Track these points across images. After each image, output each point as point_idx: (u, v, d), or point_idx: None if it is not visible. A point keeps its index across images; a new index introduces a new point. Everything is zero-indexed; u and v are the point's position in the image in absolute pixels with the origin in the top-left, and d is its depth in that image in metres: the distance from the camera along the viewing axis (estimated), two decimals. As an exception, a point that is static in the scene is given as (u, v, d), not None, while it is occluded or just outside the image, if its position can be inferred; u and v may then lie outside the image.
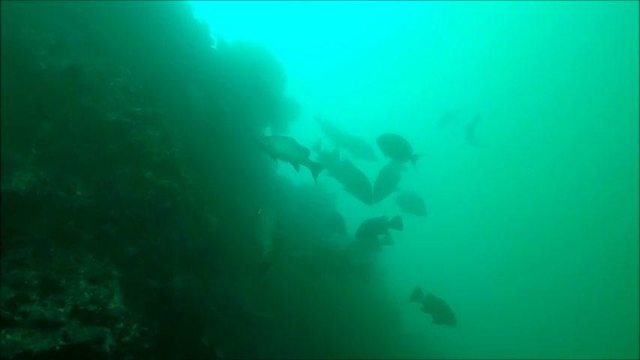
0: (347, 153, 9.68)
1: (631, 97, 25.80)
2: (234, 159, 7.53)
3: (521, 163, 33.40)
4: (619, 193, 28.85)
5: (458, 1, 29.07)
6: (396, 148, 6.79)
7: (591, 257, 27.72)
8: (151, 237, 3.88)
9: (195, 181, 5.16)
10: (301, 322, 7.47)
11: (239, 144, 8.14)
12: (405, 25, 32.65)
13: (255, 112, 8.85)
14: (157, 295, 3.78)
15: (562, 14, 25.51)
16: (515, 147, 33.61)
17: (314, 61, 36.28)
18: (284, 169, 10.83)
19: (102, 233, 3.50)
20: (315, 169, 5.53)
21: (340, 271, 7.60)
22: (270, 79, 9.61)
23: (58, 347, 2.40)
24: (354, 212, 10.33)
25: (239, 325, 6.14)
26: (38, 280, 2.86)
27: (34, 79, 3.68)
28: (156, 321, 3.47)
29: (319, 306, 7.91)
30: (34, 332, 2.44)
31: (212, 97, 7.77)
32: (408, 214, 7.86)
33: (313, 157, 9.43)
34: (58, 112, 3.63)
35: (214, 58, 8.67)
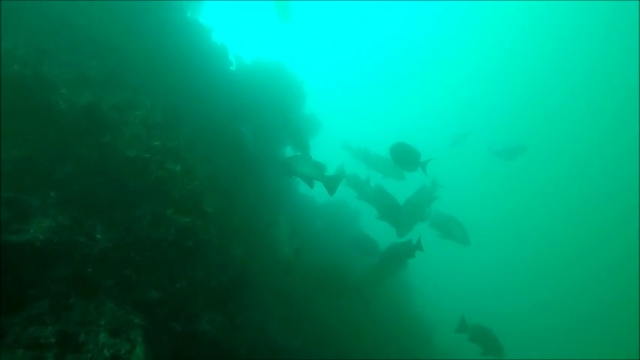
0: (375, 173, 9.40)
1: (631, 98, 25.04)
2: (256, 182, 7.31)
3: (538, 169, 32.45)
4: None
5: (469, 12, 28.75)
6: (406, 157, 6.66)
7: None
8: (175, 279, 3.64)
9: (218, 213, 4.93)
10: (331, 345, 7.13)
11: (261, 165, 7.93)
12: (419, 36, 32.33)
13: (276, 131, 8.64)
14: (182, 341, 3.53)
15: (563, 15, 25.16)
16: (533, 156, 32.79)
17: (330, 74, 36.17)
18: (307, 187, 10.62)
19: (123, 278, 3.28)
20: (330, 183, 5.38)
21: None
22: (290, 96, 9.40)
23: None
24: (378, 229, 9.98)
25: (269, 356, 5.86)
26: (56, 336, 2.64)
27: (54, 119, 3.53)
28: (181, 372, 3.21)
29: (347, 328, 7.55)
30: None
31: (233, 120, 7.61)
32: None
33: (342, 186, 9.19)
34: (78, 151, 3.46)
35: (234, 80, 8.53)
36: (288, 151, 9.57)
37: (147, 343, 3.15)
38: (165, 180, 3.81)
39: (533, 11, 26.64)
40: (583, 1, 22.57)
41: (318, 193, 10.56)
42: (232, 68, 9.03)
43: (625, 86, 24.87)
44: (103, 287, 3.14)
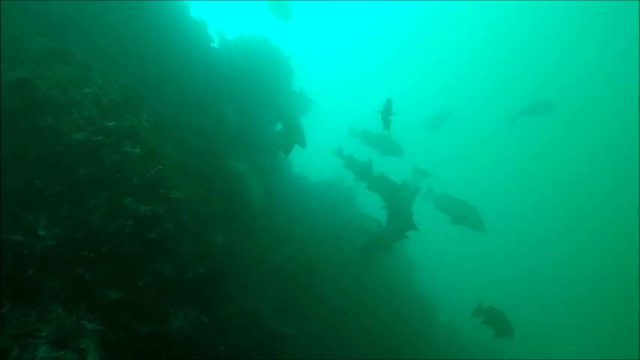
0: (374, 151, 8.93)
1: (631, 97, 24.42)
2: (241, 164, 6.82)
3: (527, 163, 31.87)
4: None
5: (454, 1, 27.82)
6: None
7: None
8: (138, 275, 3.20)
9: (194, 199, 4.46)
10: (332, 329, 6.78)
11: (246, 147, 7.42)
12: (398, 23, 31.41)
13: (262, 110, 8.09)
14: (149, 343, 3.11)
15: (562, 14, 24.59)
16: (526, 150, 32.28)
17: (317, 55, 35.13)
18: (300, 166, 10.12)
19: (73, 279, 2.84)
20: None
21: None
22: (276, 72, 8.79)
23: None
24: (374, 206, 9.54)
25: (262, 346, 5.50)
26: (-17, 355, 2.22)
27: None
28: (145, 380, 2.80)
29: (347, 311, 7.19)
30: None
31: (214, 100, 7.06)
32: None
33: (337, 163, 8.75)
34: (11, 137, 2.96)
35: (215, 57, 7.92)
36: (277, 129, 9.06)
37: (103, 350, 2.73)
38: (122, 165, 3.32)
39: (533, 11, 26.03)
40: (583, 1, 22.07)
41: (311, 171, 10.12)
42: (214, 45, 8.40)
43: (625, 86, 24.42)
44: (48, 291, 2.69)
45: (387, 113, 5.46)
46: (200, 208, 4.46)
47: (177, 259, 3.72)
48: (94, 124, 3.31)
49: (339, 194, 9.72)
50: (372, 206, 9.41)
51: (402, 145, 9.30)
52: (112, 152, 3.30)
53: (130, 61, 4.96)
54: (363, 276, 7.66)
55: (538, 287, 24.07)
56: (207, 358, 3.54)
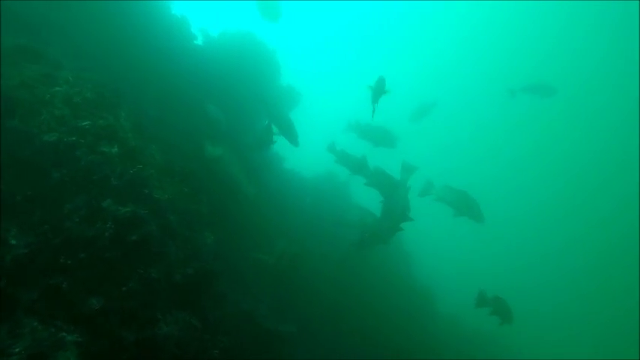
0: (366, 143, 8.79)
1: (631, 97, 24.36)
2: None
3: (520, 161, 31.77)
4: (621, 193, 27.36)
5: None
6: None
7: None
8: (121, 280, 3.02)
9: (180, 199, 4.28)
10: (331, 326, 6.63)
11: (235, 143, 7.22)
12: (388, 20, 31.16)
13: (250, 105, 7.89)
14: (137, 351, 2.94)
15: (562, 13, 24.50)
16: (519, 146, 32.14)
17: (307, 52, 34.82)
18: (292, 162, 9.94)
19: (49, 289, 2.65)
20: None
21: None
22: (263, 67, 8.59)
23: None
24: (369, 199, 9.39)
25: (259, 346, 5.35)
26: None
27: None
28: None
29: (346, 306, 7.05)
30: None
31: (200, 97, 6.85)
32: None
33: (330, 158, 8.55)
34: (-24, 141, 2.76)
35: (199, 54, 7.70)
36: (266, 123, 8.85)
37: (85, 362, 2.55)
38: (99, 165, 3.13)
39: (533, 11, 25.92)
40: (583, 1, 21.97)
41: (303, 166, 9.94)
42: (198, 42, 8.17)
43: (625, 86, 24.33)
44: (22, 303, 2.51)
45: (378, 92, 5.20)
46: (187, 208, 4.28)
47: (164, 262, 3.54)
48: (65, 125, 3.11)
49: (333, 189, 9.55)
50: (367, 199, 9.29)
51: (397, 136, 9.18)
52: (87, 153, 3.11)
53: (108, 59, 4.75)
54: (360, 270, 7.52)
55: (537, 276, 24.06)
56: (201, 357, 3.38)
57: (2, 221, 2.64)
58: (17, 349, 2.26)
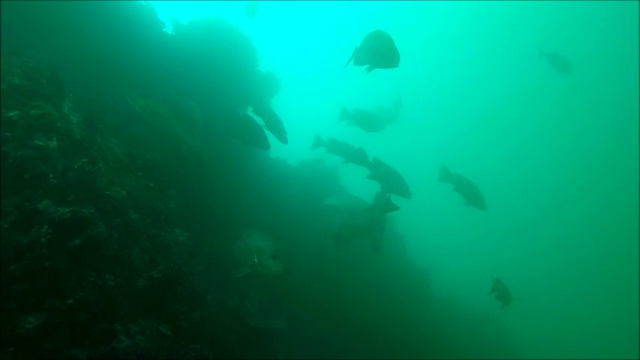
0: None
1: (631, 99, 23.97)
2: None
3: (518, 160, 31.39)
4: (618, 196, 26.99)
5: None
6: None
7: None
8: (67, 291, 2.58)
9: (145, 193, 3.82)
10: (323, 320, 6.25)
11: (213, 136, 6.74)
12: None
13: (228, 95, 7.39)
14: (91, 371, 2.52)
15: (563, 15, 24.03)
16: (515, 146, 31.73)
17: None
18: (277, 150, 9.47)
19: (-27, 309, 2.21)
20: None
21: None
22: (238, 53, 8.06)
23: None
24: (358, 185, 8.98)
25: (247, 345, 4.96)
26: None
27: None
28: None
29: (337, 298, 6.67)
30: None
31: (169, 84, 6.34)
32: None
33: (320, 151, 8.06)
34: None
35: (167, 42, 7.15)
36: (247, 111, 8.36)
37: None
38: (33, 162, 2.66)
39: (533, 10, 25.33)
40: (583, 1, 21.51)
41: (288, 155, 9.48)
42: (167, 30, 7.60)
43: (625, 86, 23.84)
44: None
45: (367, 51, 4.37)
46: (153, 204, 3.82)
47: (123, 266, 3.10)
48: (-10, 117, 2.63)
49: (320, 175, 9.12)
50: (357, 185, 8.87)
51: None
52: (17, 148, 2.63)
53: (51, 46, 4.22)
54: (351, 259, 7.13)
55: (536, 264, 23.88)
56: (171, 374, 2.97)
57: None
58: None
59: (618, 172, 27.11)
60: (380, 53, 4.20)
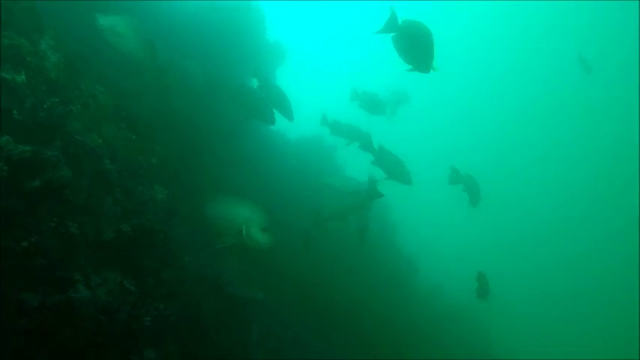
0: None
1: (631, 98, 23.42)
2: (203, 116, 5.95)
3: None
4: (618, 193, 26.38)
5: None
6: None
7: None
8: (21, 234, 2.43)
9: (124, 145, 3.64)
10: (304, 297, 6.15)
11: (213, 98, 6.51)
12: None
13: (230, 58, 7.11)
14: (42, 316, 2.39)
15: (563, 15, 23.54)
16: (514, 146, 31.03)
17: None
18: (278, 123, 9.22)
19: None
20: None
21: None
22: (246, 19, 7.73)
23: None
24: (356, 166, 8.77)
25: (224, 311, 4.87)
26: None
27: None
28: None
29: (321, 274, 6.56)
30: None
31: (169, 43, 6.07)
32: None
33: (325, 132, 7.82)
34: None
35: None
36: (252, 82, 8.08)
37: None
38: (-3, 95, 2.47)
39: (532, 10, 24.69)
40: (583, 1, 21.01)
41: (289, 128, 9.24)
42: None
43: (625, 86, 23.39)
44: None
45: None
46: (132, 158, 3.65)
47: (91, 216, 2.95)
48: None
49: (319, 153, 8.91)
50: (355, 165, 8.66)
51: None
52: (-21, 78, 2.44)
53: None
54: (339, 239, 6.97)
55: (530, 260, 23.65)
56: (129, 330, 2.85)
57: None
58: None
59: (619, 175, 26.80)
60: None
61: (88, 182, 2.99)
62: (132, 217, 3.30)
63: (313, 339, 5.91)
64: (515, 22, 26.72)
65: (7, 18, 2.78)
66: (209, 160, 5.80)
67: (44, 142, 2.59)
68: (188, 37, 6.61)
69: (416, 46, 3.62)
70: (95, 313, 2.69)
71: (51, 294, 2.50)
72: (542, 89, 28.77)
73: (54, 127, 2.69)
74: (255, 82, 5.92)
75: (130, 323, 2.85)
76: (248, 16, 7.90)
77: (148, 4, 6.05)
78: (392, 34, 3.70)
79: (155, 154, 3.95)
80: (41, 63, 2.81)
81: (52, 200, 2.57)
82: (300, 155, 8.69)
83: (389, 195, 8.79)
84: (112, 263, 3.00)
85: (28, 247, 2.42)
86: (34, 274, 2.47)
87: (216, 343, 4.10)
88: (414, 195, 11.61)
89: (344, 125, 7.22)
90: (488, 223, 23.74)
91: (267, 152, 7.46)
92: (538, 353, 14.57)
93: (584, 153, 28.99)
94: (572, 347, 16.28)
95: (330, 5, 31.19)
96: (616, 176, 26.76)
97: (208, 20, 7.13)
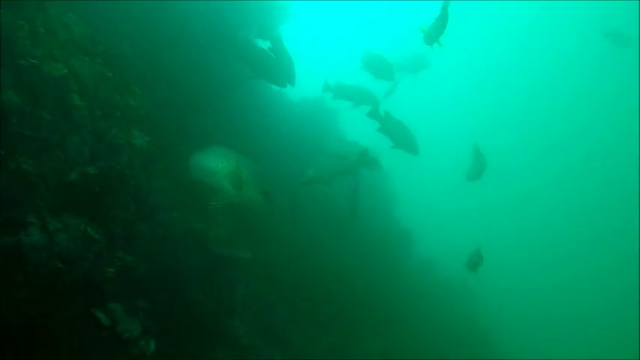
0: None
1: (631, 99, 22.78)
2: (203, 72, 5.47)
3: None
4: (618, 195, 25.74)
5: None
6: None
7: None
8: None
9: (97, 82, 3.24)
10: (294, 258, 5.91)
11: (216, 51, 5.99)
12: None
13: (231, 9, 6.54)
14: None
15: (563, 15, 22.94)
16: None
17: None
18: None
19: None
20: None
21: None
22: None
23: None
24: (358, 131, 8.35)
25: (208, 268, 4.61)
26: None
27: None
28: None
29: (312, 240, 6.28)
30: None
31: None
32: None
33: (327, 97, 7.34)
34: None
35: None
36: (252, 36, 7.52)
37: None
38: None
39: (532, 10, 23.84)
40: (583, 1, 20.47)
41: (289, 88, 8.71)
42: None
43: (625, 86, 22.84)
44: None
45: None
46: (108, 97, 3.25)
47: (51, 153, 2.59)
48: None
49: (319, 116, 8.44)
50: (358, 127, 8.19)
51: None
52: None
53: None
54: (334, 206, 6.66)
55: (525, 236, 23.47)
56: (92, 281, 2.56)
57: None
58: None
59: (619, 175, 26.44)
60: None
61: (50, 117, 2.62)
62: (100, 160, 2.94)
63: (301, 304, 5.72)
64: (513, 21, 25.99)
65: None
66: (203, 113, 5.40)
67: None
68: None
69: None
70: (51, 259, 2.39)
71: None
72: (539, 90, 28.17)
73: (6, 52, 2.28)
74: (259, 39, 5.40)
75: (92, 273, 2.56)
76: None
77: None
78: None
79: (136, 96, 3.54)
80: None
81: (23, 143, 2.21)
82: (299, 117, 8.24)
83: (389, 164, 8.44)
84: (75, 208, 2.68)
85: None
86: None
87: (194, 301, 3.86)
88: (418, 165, 11.25)
89: (349, 87, 6.76)
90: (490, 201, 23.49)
91: (264, 110, 7.02)
92: (527, 333, 14.59)
93: (580, 156, 28.51)
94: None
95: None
96: (616, 177, 26.44)
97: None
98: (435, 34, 4.40)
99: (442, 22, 4.21)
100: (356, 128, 8.83)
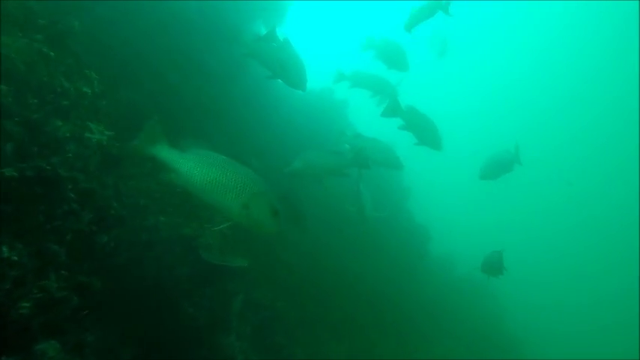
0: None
1: (631, 98, 22.16)
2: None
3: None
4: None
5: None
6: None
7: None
8: None
9: (38, 63, 2.54)
10: (300, 261, 5.18)
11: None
12: None
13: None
14: None
15: (563, 15, 22.54)
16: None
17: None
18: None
19: None
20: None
21: None
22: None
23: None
24: (367, 123, 7.53)
25: (196, 279, 3.93)
26: None
27: None
28: None
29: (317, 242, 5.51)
30: None
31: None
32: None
33: (339, 88, 6.62)
34: None
35: None
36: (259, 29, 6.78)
37: None
38: None
39: (531, 10, 23.57)
40: (584, 1, 20.09)
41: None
42: None
43: (625, 86, 22.37)
44: None
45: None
46: (50, 82, 2.55)
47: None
48: None
49: (327, 108, 7.64)
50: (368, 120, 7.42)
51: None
52: None
53: None
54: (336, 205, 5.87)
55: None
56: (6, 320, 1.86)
57: None
58: None
59: (619, 175, 25.33)
60: None
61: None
62: (35, 158, 2.25)
63: (309, 313, 4.98)
64: (513, 22, 25.42)
65: None
66: (197, 109, 4.69)
67: None
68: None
69: None
70: None
71: None
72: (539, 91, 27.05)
73: None
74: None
75: (7, 309, 1.87)
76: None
77: None
78: None
79: (92, 82, 2.84)
80: None
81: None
82: (308, 111, 7.48)
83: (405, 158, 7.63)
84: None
85: None
86: None
87: (182, 316, 3.20)
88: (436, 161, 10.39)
89: (367, 75, 6.05)
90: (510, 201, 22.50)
91: (268, 103, 6.29)
92: (548, 329, 13.55)
93: (580, 156, 27.38)
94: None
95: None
96: (616, 177, 25.50)
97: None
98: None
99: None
100: (366, 122, 8.02)
